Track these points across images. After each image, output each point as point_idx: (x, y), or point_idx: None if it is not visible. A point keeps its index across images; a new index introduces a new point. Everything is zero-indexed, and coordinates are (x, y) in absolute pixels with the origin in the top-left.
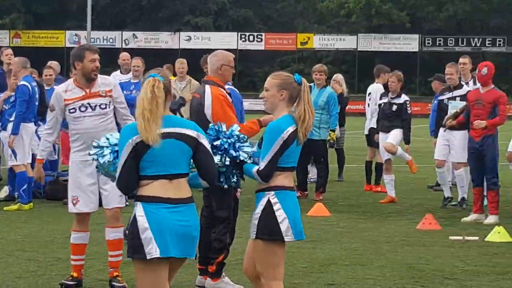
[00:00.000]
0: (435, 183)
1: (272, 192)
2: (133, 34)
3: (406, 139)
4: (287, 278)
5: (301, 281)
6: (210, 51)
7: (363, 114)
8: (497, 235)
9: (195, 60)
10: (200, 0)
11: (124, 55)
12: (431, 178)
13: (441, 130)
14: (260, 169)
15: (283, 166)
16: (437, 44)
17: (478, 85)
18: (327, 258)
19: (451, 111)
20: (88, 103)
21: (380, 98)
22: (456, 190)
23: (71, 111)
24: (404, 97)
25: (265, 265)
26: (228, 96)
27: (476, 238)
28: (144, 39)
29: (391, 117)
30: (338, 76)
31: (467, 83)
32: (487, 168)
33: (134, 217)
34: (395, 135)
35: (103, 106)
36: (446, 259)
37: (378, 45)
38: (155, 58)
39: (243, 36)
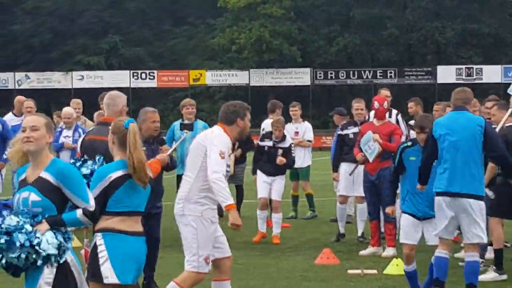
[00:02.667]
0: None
1: (100, 234)
2: (26, 75)
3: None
4: None
5: None
6: (102, 89)
7: None
8: (395, 267)
9: (88, 99)
10: (92, 40)
11: (28, 104)
12: (326, 212)
13: (345, 165)
14: (85, 208)
15: (113, 211)
16: (329, 77)
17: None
18: None
19: (365, 148)
20: None
21: (262, 140)
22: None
23: None
24: (289, 140)
25: None
26: None
27: (375, 271)
28: (36, 79)
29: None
30: None
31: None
32: (383, 201)
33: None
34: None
35: None
36: None
37: (270, 79)
38: (48, 98)
39: (135, 74)
